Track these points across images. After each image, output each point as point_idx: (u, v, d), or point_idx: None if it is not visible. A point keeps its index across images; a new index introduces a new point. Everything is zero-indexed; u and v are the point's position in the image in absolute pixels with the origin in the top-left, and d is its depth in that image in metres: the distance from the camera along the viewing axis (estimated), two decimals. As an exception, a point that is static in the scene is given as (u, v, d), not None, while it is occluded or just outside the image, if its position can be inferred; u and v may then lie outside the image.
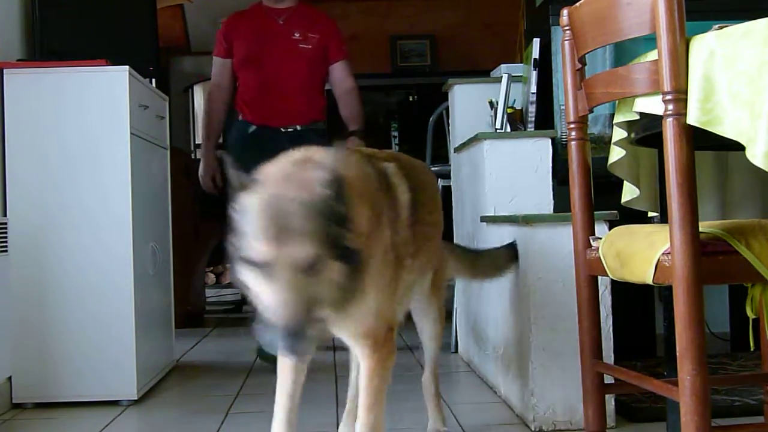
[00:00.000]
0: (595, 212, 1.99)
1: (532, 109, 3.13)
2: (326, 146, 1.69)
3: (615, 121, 1.96)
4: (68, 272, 2.96)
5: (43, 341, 2.95)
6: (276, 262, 1.46)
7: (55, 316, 2.96)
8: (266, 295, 1.49)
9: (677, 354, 1.56)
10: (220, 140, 4.07)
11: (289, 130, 3.70)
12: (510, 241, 2.68)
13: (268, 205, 1.50)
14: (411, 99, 7.66)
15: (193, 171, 4.67)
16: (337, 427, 2.46)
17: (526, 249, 2.53)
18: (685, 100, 1.56)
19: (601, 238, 1.90)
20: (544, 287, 2.50)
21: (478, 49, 7.54)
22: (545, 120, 3.12)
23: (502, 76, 3.32)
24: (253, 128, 3.72)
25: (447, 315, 4.05)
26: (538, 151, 3.01)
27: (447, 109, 3.96)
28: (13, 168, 2.98)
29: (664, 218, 1.91)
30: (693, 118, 1.54)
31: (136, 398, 2.97)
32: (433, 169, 4.15)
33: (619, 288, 2.39)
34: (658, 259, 1.62)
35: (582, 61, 1.93)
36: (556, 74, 3.05)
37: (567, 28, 1.93)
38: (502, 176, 3.03)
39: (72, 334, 2.96)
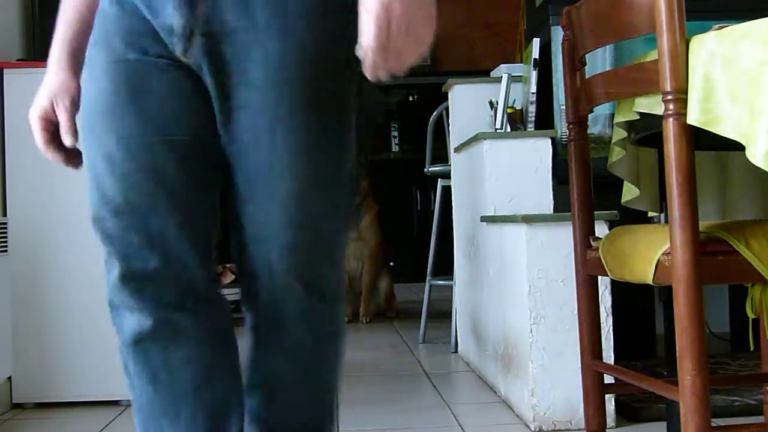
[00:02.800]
0: (595, 212, 1.99)
1: (532, 109, 3.13)
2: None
3: (615, 121, 1.96)
4: (68, 272, 2.96)
5: (43, 341, 2.95)
6: None
7: (55, 316, 2.95)
8: None
9: (677, 354, 1.56)
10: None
11: None
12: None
13: None
14: (411, 99, 7.66)
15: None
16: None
17: (526, 249, 2.53)
18: (685, 100, 1.55)
19: (601, 238, 1.91)
20: (544, 287, 2.50)
21: (478, 49, 7.55)
22: (545, 120, 3.12)
23: (502, 76, 3.32)
24: None
25: (447, 315, 4.07)
26: (538, 151, 3.01)
27: (447, 109, 3.96)
28: (13, 168, 2.98)
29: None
30: (693, 118, 1.54)
31: (136, 398, 2.97)
32: (432, 169, 4.16)
33: (619, 288, 2.39)
34: (658, 259, 1.62)
35: (582, 61, 1.92)
36: (556, 74, 3.04)
37: (567, 28, 1.93)
38: (502, 176, 3.03)
39: (72, 334, 2.95)
